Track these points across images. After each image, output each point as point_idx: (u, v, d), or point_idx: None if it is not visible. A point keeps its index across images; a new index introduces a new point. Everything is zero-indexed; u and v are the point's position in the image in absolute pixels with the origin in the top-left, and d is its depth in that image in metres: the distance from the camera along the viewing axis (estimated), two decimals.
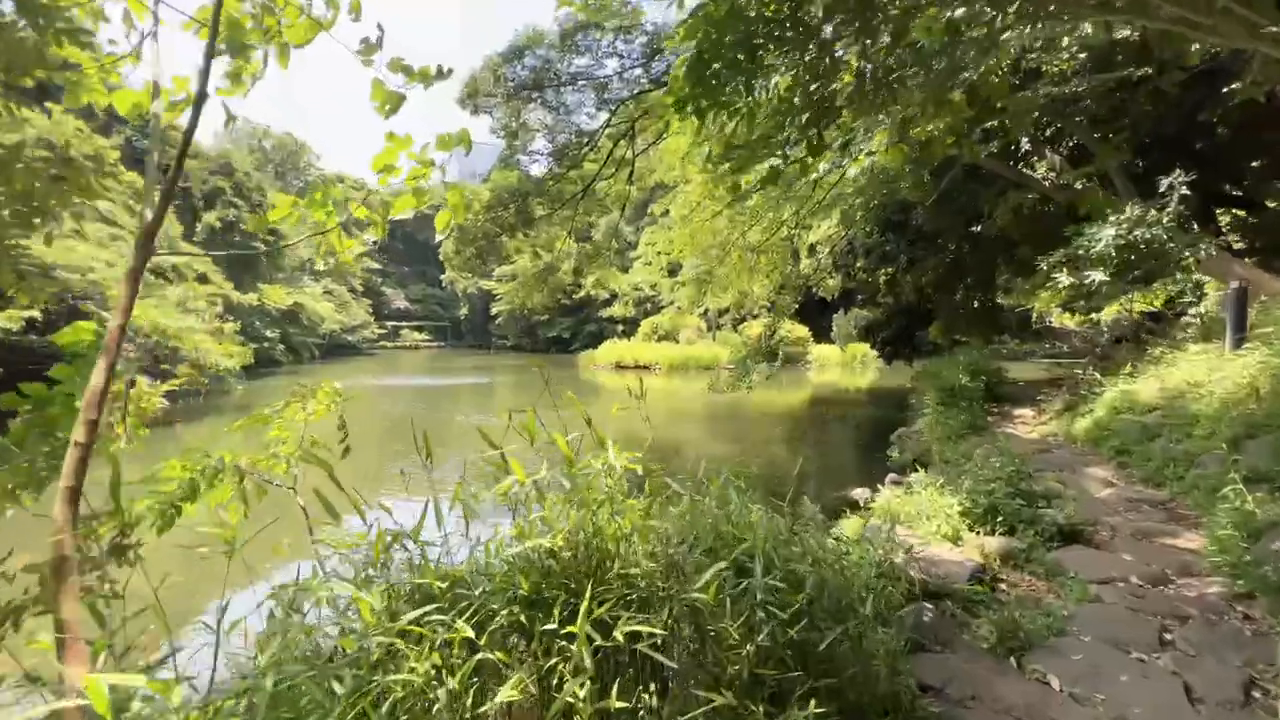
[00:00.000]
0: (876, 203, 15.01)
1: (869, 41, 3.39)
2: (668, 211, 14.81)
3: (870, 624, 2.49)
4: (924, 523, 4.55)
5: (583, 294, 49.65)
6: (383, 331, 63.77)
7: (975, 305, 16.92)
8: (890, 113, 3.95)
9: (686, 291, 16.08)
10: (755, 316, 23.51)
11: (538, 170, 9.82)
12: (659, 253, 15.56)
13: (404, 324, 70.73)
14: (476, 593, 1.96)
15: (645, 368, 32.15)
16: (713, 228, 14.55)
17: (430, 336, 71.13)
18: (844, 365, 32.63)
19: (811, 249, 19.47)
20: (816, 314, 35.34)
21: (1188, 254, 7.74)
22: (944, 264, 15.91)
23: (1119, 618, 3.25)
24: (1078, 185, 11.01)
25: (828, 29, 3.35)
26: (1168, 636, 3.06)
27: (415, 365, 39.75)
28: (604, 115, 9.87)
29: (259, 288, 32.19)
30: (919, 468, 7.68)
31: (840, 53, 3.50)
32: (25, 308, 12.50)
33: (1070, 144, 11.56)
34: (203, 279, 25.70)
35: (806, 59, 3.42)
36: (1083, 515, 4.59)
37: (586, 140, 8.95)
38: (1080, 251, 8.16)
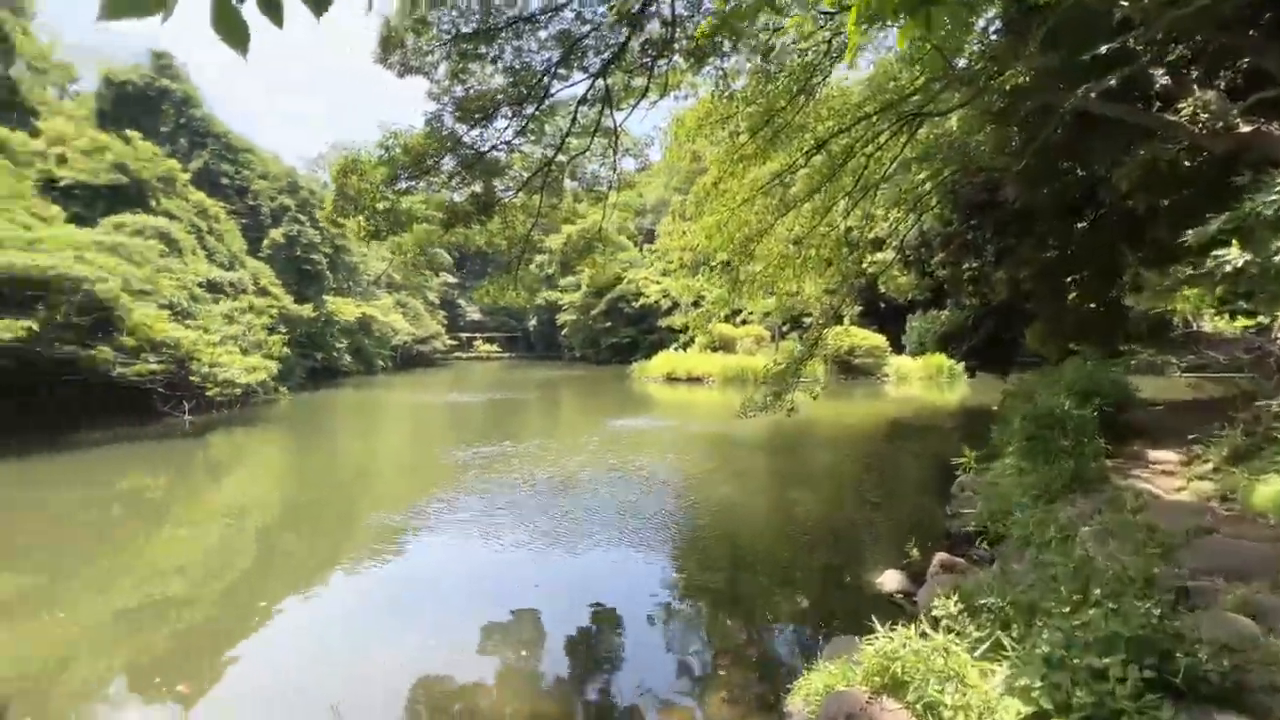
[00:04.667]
0: (949, 174, 12.05)
1: None
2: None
3: None
4: None
5: (642, 302, 48.33)
6: (455, 343, 65.62)
7: (1091, 305, 13.26)
8: None
9: (715, 294, 13.79)
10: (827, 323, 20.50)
11: (501, 153, 8.07)
12: (681, 249, 13.45)
13: (477, 335, 72.61)
14: None
15: (698, 380, 29.77)
16: (742, 217, 12.24)
17: (500, 347, 72.52)
18: (927, 378, 28.46)
19: (878, 243, 16.49)
20: (894, 320, 31.41)
21: None
22: (1045, 253, 12.53)
23: None
24: (1243, 127, 7.69)
25: None
26: None
27: (484, 378, 39.72)
28: (584, 82, 7.99)
29: (324, 300, 33.28)
30: (986, 542, 5.03)
31: None
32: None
33: (1234, 71, 8.23)
34: (263, 292, 26.57)
35: None
36: None
37: (529, 92, 7.06)
38: (1270, 212, 5.18)
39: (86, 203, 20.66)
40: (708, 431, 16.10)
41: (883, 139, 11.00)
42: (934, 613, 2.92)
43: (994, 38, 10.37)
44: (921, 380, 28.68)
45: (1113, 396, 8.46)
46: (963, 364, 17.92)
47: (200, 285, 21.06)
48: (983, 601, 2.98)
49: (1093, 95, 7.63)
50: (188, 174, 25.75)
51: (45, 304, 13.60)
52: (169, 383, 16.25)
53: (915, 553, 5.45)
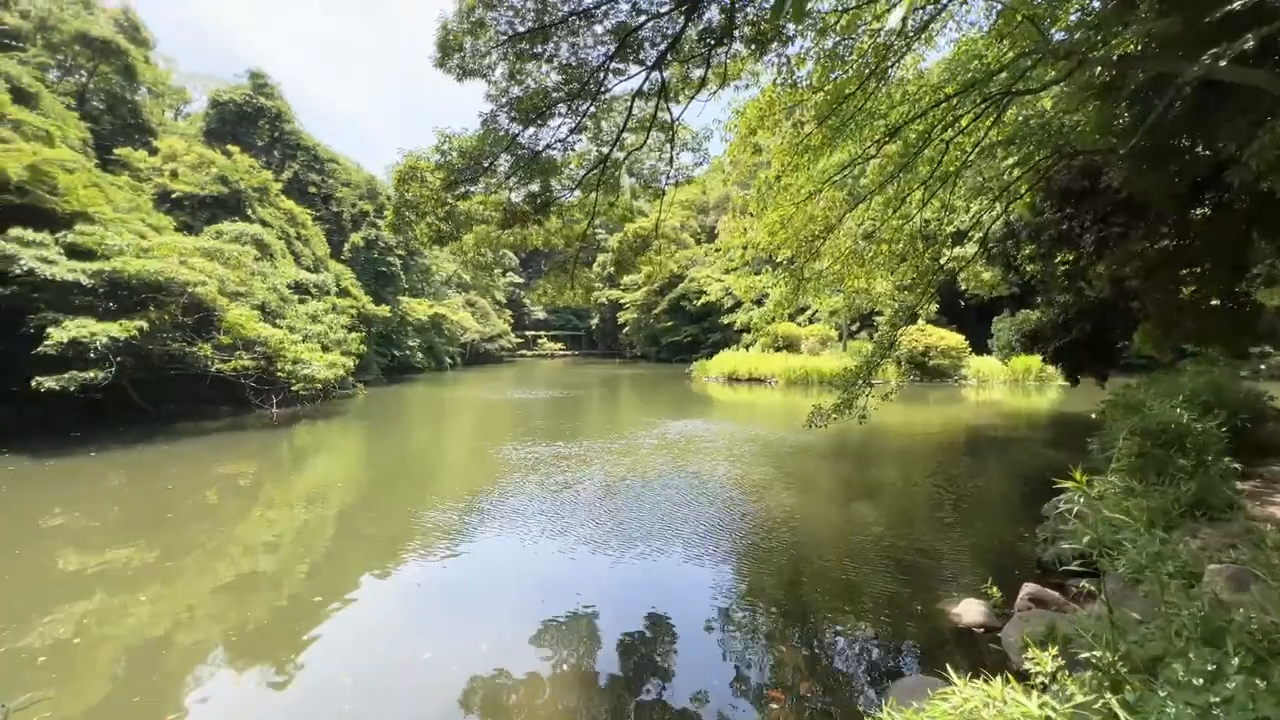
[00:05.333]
0: (1041, 159, 10.96)
1: None
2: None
3: None
4: None
5: (704, 300, 47.79)
6: (520, 340, 67.56)
7: (1213, 302, 11.69)
8: None
9: (777, 292, 13.26)
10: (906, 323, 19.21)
11: (558, 153, 8.01)
12: (743, 247, 13.00)
13: (541, 333, 74.44)
14: None
15: (760, 380, 28.99)
16: (808, 211, 11.68)
17: (564, 345, 74.01)
18: (1012, 382, 26.33)
19: (959, 236, 15.42)
20: (975, 319, 29.34)
21: None
22: (1157, 244, 11.15)
23: None
24: None
25: None
26: None
27: (546, 376, 40.62)
28: (640, 75, 7.82)
29: (399, 300, 35.04)
30: (1086, 575, 4.41)
31: None
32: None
33: None
34: (344, 293, 28.26)
35: None
36: None
37: (583, 88, 6.94)
38: None
39: (192, 212, 22.70)
40: (768, 436, 15.55)
41: (964, 123, 10.18)
42: (1026, 665, 2.51)
43: (1096, 3, 9.33)
44: (1005, 383, 26.59)
45: (1243, 407, 7.35)
46: (1052, 364, 16.33)
47: (289, 287, 22.63)
48: (1087, 655, 2.53)
49: (1222, 62, 6.63)
50: (280, 184, 27.81)
51: (155, 305, 14.99)
52: (259, 378, 17.55)
53: (997, 590, 4.86)
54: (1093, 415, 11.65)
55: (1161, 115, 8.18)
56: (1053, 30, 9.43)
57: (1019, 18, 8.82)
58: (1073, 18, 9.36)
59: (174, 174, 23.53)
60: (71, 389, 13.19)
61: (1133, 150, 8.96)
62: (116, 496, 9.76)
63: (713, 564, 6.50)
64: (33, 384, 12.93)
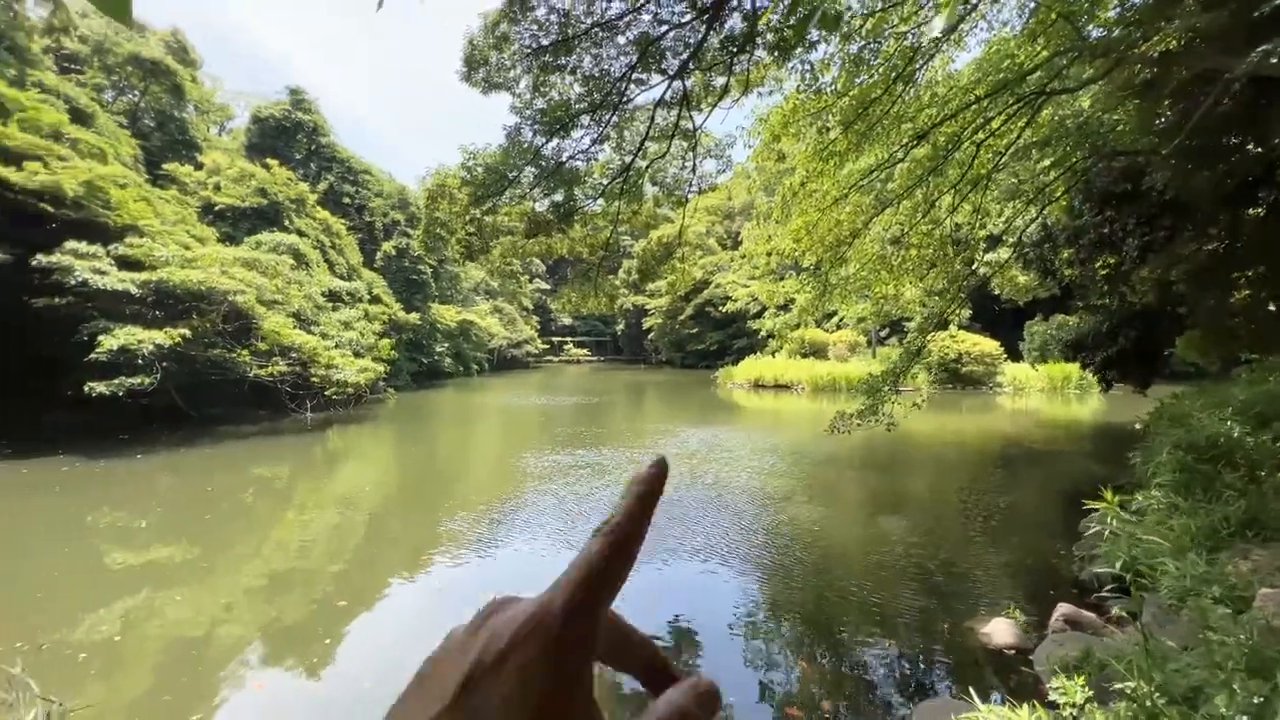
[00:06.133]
0: (1079, 160, 10.59)
1: None
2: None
3: None
4: None
5: (730, 307, 47.51)
6: (546, 346, 68.20)
7: (1269, 307, 11.09)
8: None
9: (803, 298, 13.11)
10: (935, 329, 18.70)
11: (582, 163, 8.10)
12: (767, 254, 12.87)
13: (567, 339, 75.04)
14: None
15: (786, 387, 28.62)
16: (834, 217, 11.52)
17: (590, 351, 74.46)
18: (1050, 390, 25.39)
19: (993, 240, 15.05)
20: (1009, 324, 28.43)
21: None
22: (1206, 246, 10.64)
23: None
24: None
25: None
26: None
27: (571, 382, 40.84)
28: (663, 84, 7.86)
29: (429, 307, 35.77)
30: (1125, 592, 4.21)
31: None
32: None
33: None
34: (376, 300, 28.99)
35: None
36: None
37: (604, 99, 6.99)
38: None
39: (234, 223, 23.63)
40: (792, 444, 15.33)
41: (995, 124, 9.93)
42: (1053, 695, 2.40)
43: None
44: (1043, 391, 25.68)
45: None
46: (1094, 373, 15.69)
47: (323, 295, 23.33)
48: (1121, 685, 2.40)
49: (1274, 58, 6.30)
50: (316, 195, 28.75)
51: (198, 313, 15.63)
52: (294, 383, 18.11)
53: (1019, 614, 4.66)
54: (1136, 426, 11.15)
55: (1207, 113, 7.83)
56: (1089, 28, 9.13)
57: (1053, 16, 8.57)
58: (1111, 14, 9.05)
59: (217, 187, 24.55)
60: (120, 394, 13.83)
61: (1177, 150, 8.59)
62: (160, 497, 10.17)
63: (732, 575, 6.43)
64: (85, 389, 13.61)
